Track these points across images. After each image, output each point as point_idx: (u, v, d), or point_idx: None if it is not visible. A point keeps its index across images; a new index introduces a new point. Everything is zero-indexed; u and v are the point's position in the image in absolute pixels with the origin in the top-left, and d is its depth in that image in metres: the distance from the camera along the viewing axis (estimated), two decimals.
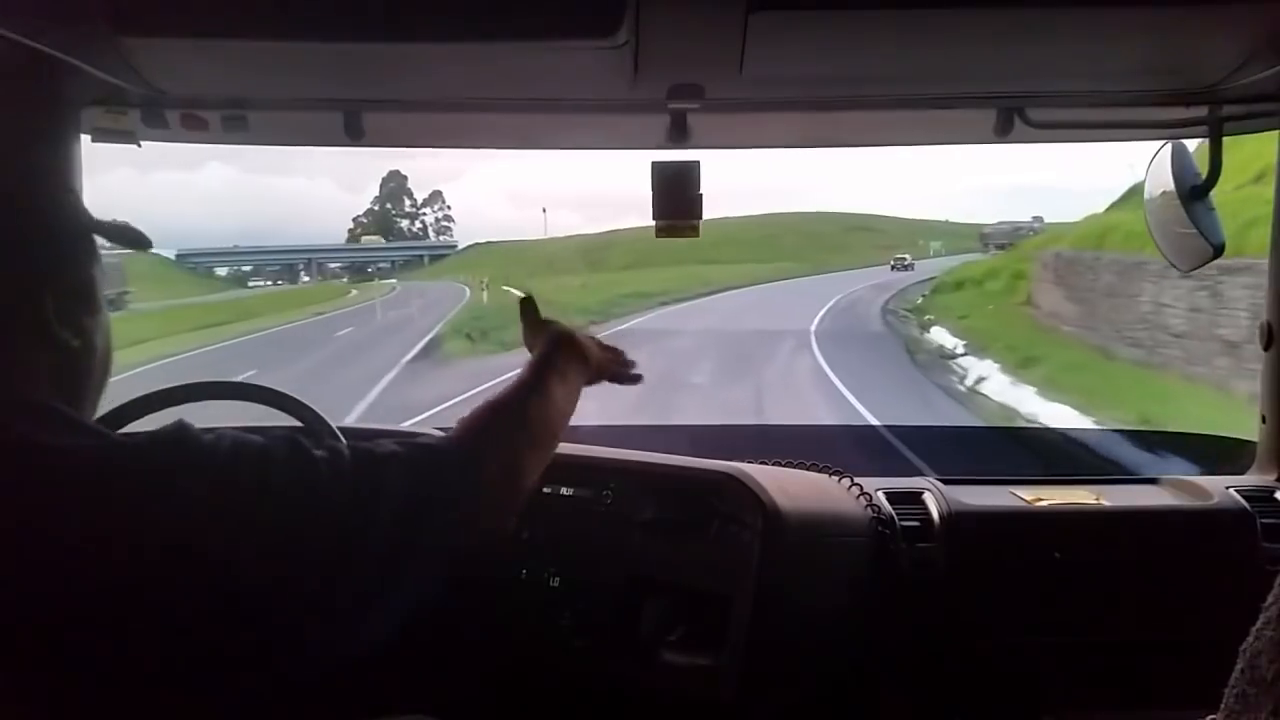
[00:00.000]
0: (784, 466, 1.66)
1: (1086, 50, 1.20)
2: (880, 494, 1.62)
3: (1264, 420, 1.67)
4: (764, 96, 1.38)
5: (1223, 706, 0.60)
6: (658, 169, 1.43)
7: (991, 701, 1.58)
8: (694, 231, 1.45)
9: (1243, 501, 1.57)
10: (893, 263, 41.91)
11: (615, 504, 1.56)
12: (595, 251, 54.43)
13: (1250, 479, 1.67)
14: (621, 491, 1.56)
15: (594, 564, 1.54)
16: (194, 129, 1.43)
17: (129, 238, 0.86)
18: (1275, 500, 1.59)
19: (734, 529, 1.47)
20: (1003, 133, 1.45)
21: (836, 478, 1.65)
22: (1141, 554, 1.54)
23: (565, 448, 1.70)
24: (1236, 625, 0.62)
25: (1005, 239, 45.87)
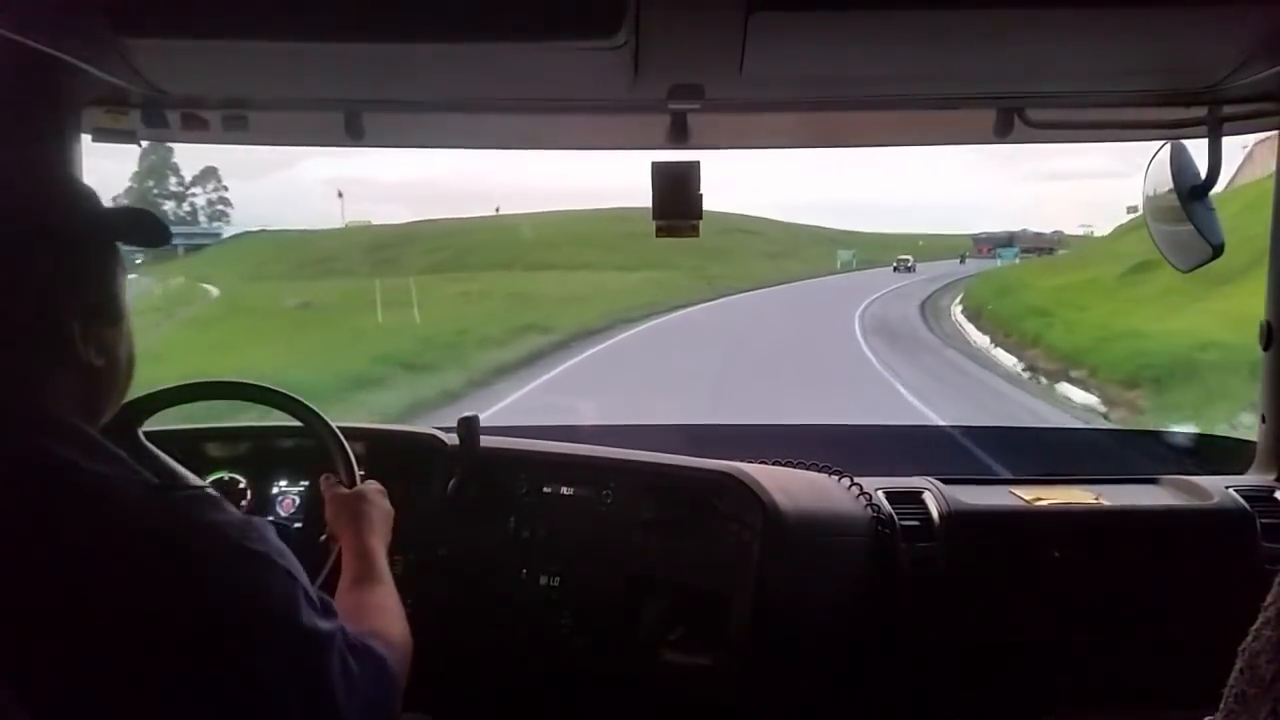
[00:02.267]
0: (784, 466, 1.67)
1: (1086, 50, 1.21)
2: (880, 494, 1.62)
3: (1264, 420, 1.67)
4: (764, 96, 1.38)
5: (1222, 706, 0.60)
6: (658, 169, 1.43)
7: (991, 701, 1.58)
8: (694, 231, 1.45)
9: (1242, 501, 1.57)
10: (895, 264, 40.09)
11: (615, 504, 1.56)
12: (389, 248, 37.32)
13: (1250, 479, 1.67)
14: (621, 491, 1.56)
15: (594, 564, 1.54)
16: (194, 129, 1.43)
17: (146, 232, 0.84)
18: (1275, 500, 1.59)
19: (734, 528, 1.47)
20: (1002, 133, 1.45)
21: (836, 477, 1.65)
22: (1141, 554, 1.54)
23: (565, 447, 1.71)
24: (1236, 625, 0.62)
25: (1031, 244, 44.80)
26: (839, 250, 42.49)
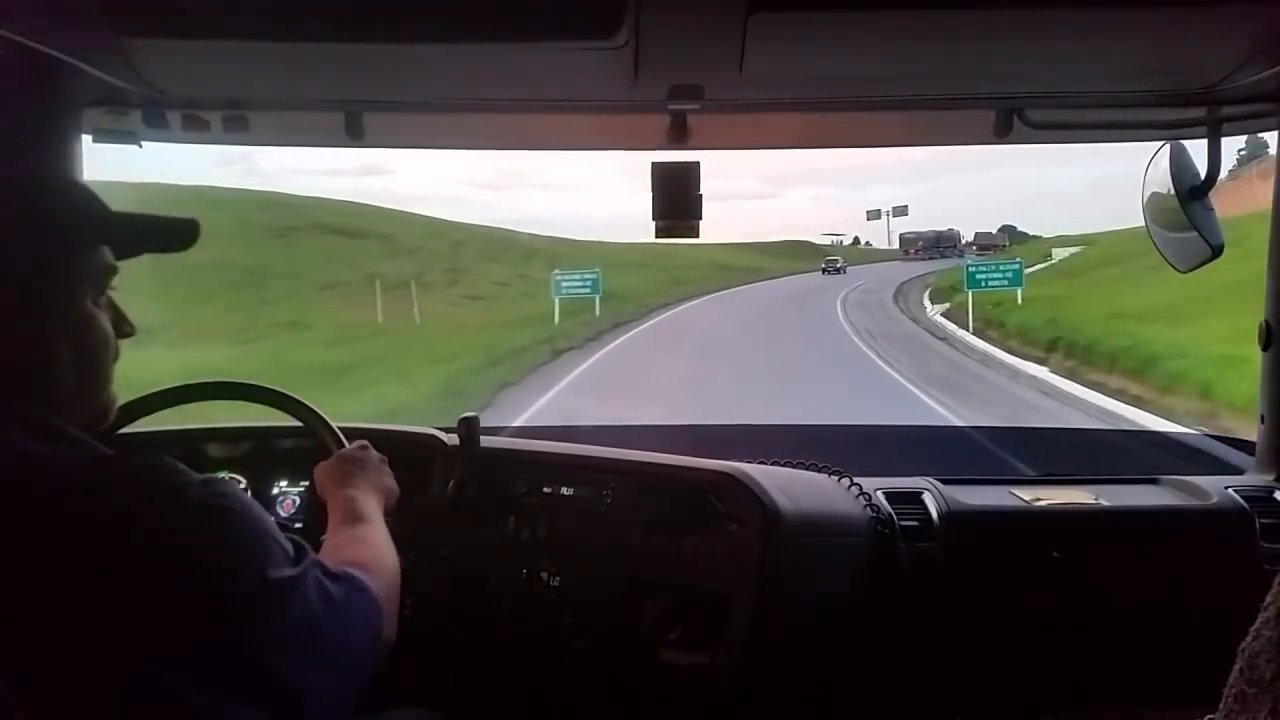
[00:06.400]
0: (784, 466, 1.67)
1: (1086, 50, 1.21)
2: (879, 494, 1.62)
3: (1263, 420, 1.67)
4: (764, 96, 1.39)
5: (1221, 706, 0.60)
6: (658, 169, 1.43)
7: (991, 701, 1.58)
8: (694, 232, 1.45)
9: (1242, 501, 1.57)
10: (824, 265, 36.84)
11: (615, 504, 1.56)
12: None
13: (1249, 479, 1.67)
14: (621, 492, 1.56)
15: (594, 564, 1.54)
16: (195, 129, 1.43)
17: (168, 235, 0.87)
18: (1274, 500, 1.59)
19: (734, 529, 1.47)
20: (1002, 133, 1.46)
21: (836, 478, 1.65)
22: (1140, 554, 1.54)
23: (565, 447, 1.71)
24: (1235, 625, 0.62)
25: (983, 243, 42.72)
26: (555, 274, 18.08)
